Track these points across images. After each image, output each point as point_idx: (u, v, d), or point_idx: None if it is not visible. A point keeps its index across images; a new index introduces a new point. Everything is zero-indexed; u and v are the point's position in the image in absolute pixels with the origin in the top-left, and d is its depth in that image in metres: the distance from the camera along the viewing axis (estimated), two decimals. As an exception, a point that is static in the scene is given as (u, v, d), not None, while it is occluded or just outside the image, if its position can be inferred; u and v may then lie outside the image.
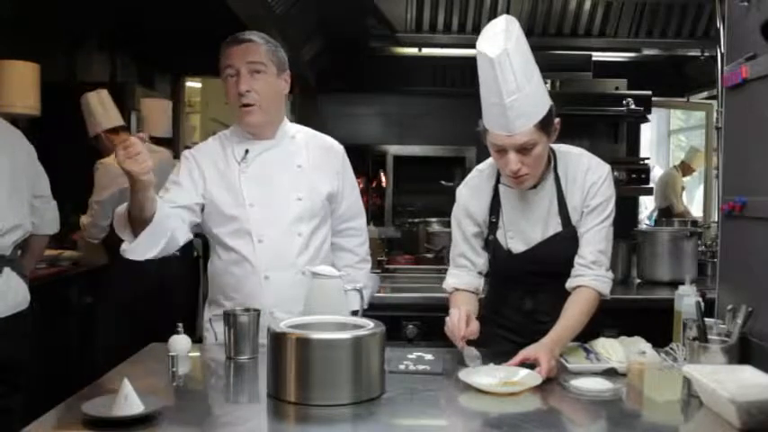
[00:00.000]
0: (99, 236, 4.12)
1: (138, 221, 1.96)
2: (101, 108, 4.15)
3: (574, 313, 1.94)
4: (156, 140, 4.63)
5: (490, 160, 2.10)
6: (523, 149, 1.91)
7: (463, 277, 2.15)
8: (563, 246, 2.04)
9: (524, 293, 2.14)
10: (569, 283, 2.02)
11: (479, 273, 2.16)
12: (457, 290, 2.14)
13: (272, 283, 2.14)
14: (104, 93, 4.22)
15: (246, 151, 2.19)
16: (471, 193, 2.13)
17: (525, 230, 2.08)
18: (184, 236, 2.11)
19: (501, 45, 1.84)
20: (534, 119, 1.89)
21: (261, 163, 2.20)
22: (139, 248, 1.99)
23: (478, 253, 2.14)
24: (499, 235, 2.09)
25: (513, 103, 1.86)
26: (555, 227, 2.05)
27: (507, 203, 2.08)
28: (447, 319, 1.93)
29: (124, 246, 2.00)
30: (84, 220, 4.07)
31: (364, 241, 2.45)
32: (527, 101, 1.88)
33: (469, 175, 2.18)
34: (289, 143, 2.25)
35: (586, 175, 2.04)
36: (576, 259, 2.03)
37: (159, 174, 3.74)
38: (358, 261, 2.40)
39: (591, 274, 1.99)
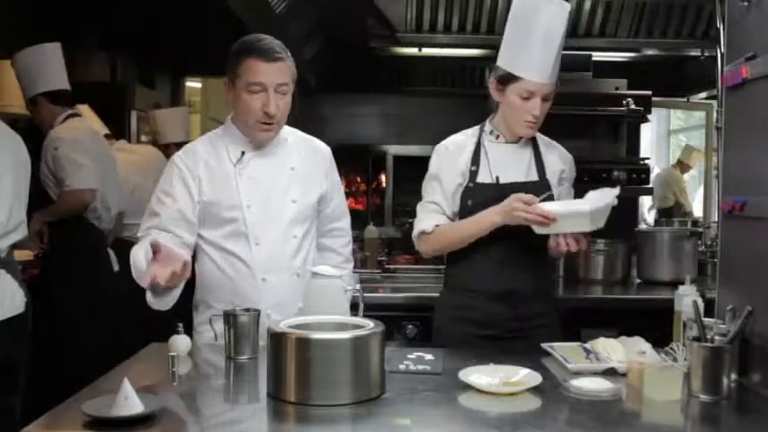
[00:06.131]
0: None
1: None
2: None
3: None
4: (177, 145, 4.83)
5: (472, 129, 2.41)
6: (546, 99, 2.23)
7: (440, 218, 2.33)
8: (540, 192, 2.24)
9: (496, 242, 2.25)
10: None
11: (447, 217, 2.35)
12: (438, 226, 2.31)
13: (269, 286, 2.14)
14: (83, 107, 4.28)
15: (243, 153, 2.17)
16: (456, 148, 2.36)
17: (509, 173, 2.30)
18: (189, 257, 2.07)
19: (567, 4, 2.18)
20: (558, 73, 2.23)
21: (257, 165, 2.18)
22: (168, 302, 2.00)
23: (449, 203, 2.33)
24: (481, 178, 2.30)
25: (559, 52, 2.18)
26: (533, 176, 2.33)
27: (494, 153, 2.33)
28: (512, 205, 2.13)
29: (150, 299, 1.99)
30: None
31: (349, 242, 2.47)
32: (560, 57, 2.21)
33: (451, 138, 2.41)
34: (282, 146, 2.24)
35: (562, 152, 2.42)
36: None
37: (146, 170, 3.71)
38: (342, 261, 2.42)
39: None
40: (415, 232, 2.37)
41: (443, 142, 2.40)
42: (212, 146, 2.21)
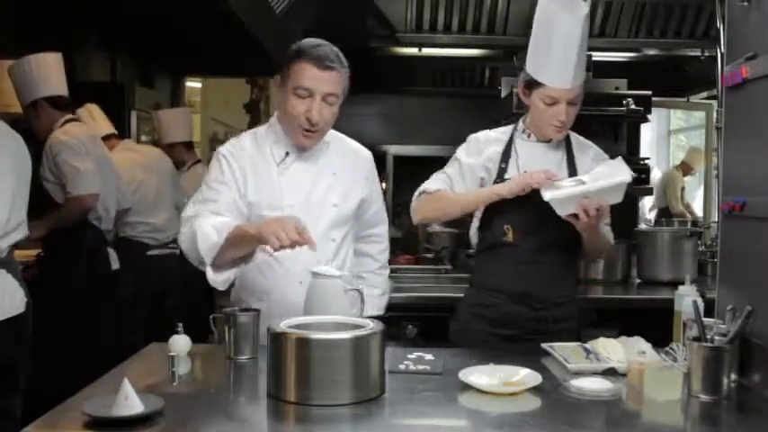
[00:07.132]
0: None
1: (233, 259, 1.99)
2: (90, 121, 4.24)
3: None
4: (184, 145, 4.88)
5: (505, 127, 2.44)
6: (572, 103, 2.24)
7: (445, 187, 2.37)
8: None
9: (521, 243, 2.29)
10: None
11: None
12: (439, 191, 2.37)
13: (306, 287, 2.09)
14: (93, 107, 4.36)
15: (287, 153, 2.16)
16: (486, 141, 2.40)
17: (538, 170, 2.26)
18: None
19: (585, 8, 2.17)
20: (584, 76, 2.25)
21: (299, 167, 2.17)
22: (226, 280, 2.02)
23: (459, 182, 2.37)
24: (510, 174, 2.32)
25: (581, 56, 2.18)
26: (564, 176, 2.29)
27: (524, 152, 2.35)
28: (518, 182, 2.20)
29: (211, 275, 1.98)
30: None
31: (386, 248, 2.45)
32: (584, 59, 2.23)
33: (485, 131, 2.44)
34: (324, 150, 2.22)
35: (597, 152, 2.43)
36: None
37: (149, 170, 3.67)
38: (379, 267, 2.41)
39: None
40: (416, 192, 2.42)
41: (476, 134, 2.45)
42: (257, 144, 2.19)
